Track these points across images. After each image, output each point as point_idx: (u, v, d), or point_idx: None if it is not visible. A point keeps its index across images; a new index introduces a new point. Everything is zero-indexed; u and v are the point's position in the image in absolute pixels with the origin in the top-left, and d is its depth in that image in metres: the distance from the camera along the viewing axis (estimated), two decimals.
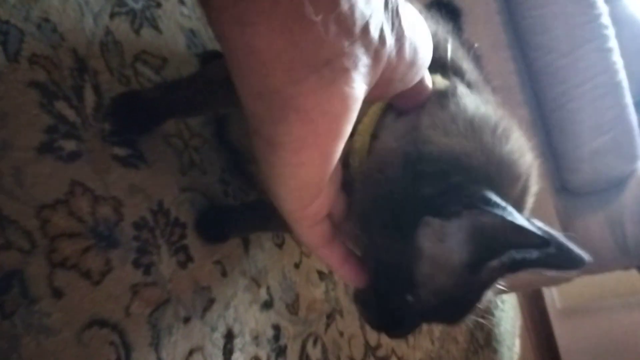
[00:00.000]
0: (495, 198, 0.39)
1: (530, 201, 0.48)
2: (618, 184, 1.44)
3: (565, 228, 1.48)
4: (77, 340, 0.58)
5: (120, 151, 0.68)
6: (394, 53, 0.32)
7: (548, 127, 1.47)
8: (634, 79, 1.56)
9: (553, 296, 3.20)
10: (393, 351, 1.27)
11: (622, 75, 1.38)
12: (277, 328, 0.88)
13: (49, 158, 0.60)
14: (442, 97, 0.46)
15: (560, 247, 0.40)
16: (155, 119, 0.72)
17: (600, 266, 1.49)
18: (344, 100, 0.29)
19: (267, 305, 0.88)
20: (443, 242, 0.41)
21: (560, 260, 0.39)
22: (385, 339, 1.24)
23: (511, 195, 0.44)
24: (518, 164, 0.45)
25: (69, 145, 0.62)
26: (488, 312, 2.09)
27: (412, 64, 0.35)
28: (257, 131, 0.31)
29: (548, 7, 1.37)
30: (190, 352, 0.71)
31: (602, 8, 1.37)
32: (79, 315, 0.59)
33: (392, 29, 0.31)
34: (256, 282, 0.87)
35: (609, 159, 1.39)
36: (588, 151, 1.40)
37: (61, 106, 0.63)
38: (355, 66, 0.29)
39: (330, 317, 1.04)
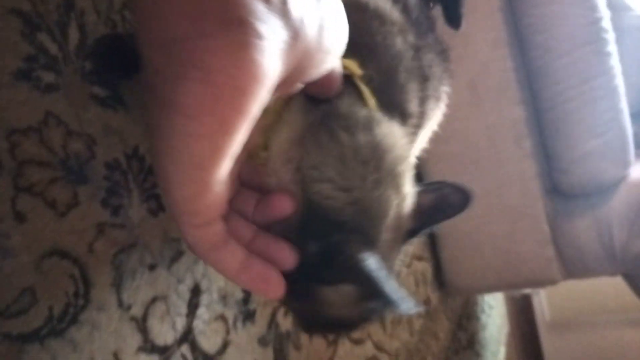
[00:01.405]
0: (372, 268, 0.40)
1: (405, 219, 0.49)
2: (608, 188, 1.43)
3: (553, 230, 1.47)
4: (36, 266, 0.58)
5: (99, 91, 0.68)
6: (314, 39, 0.30)
7: (542, 127, 1.47)
8: (633, 90, 1.56)
9: (543, 308, 3.17)
10: (369, 336, 1.26)
11: (619, 81, 1.38)
12: (247, 292, 0.88)
13: (25, 86, 0.60)
14: (325, 121, 0.45)
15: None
16: (137, 65, 0.73)
17: (586, 270, 1.49)
18: (255, 72, 0.26)
19: None
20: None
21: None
22: None
23: (384, 229, 0.46)
24: (387, 201, 0.45)
25: (48, 77, 0.63)
26: (472, 316, 2.09)
27: (330, 51, 0.33)
28: (153, 89, 0.28)
29: (550, 7, 1.37)
30: (154, 300, 0.70)
31: (604, 12, 1.37)
32: (40, 242, 0.59)
33: (314, 11, 0.29)
34: None
35: (601, 162, 1.39)
36: (580, 153, 1.39)
37: (43, 38, 0.63)
38: (272, 38, 0.27)
39: None
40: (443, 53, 0.61)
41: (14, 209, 0.57)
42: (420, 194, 0.50)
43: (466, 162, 1.56)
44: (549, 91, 1.42)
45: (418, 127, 0.55)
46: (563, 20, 1.37)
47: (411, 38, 0.56)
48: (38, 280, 0.58)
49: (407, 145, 0.49)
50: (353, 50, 0.48)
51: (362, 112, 0.46)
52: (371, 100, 0.48)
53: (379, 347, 1.30)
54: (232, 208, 0.38)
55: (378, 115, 0.48)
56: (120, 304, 0.66)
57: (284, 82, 0.31)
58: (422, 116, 0.55)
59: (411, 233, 0.51)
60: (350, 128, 0.44)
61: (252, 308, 0.88)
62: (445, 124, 0.69)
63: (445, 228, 1.66)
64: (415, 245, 1.64)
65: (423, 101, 0.55)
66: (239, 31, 0.25)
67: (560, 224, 1.47)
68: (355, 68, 0.48)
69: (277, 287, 0.38)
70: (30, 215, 0.58)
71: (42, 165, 0.61)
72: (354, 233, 0.43)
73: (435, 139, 0.74)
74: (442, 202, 0.50)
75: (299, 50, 0.29)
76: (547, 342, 2.98)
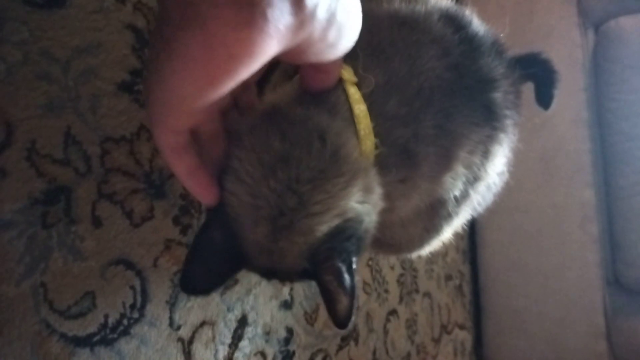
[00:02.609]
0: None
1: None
2: None
3: (609, 324, 1.40)
4: (101, 272, 0.59)
5: None
6: (319, 31, 0.32)
7: (612, 215, 1.41)
8: None
9: None
10: None
11: None
12: (290, 331, 0.86)
13: (126, 97, 0.63)
14: (280, 117, 0.44)
15: None
16: None
17: None
18: (250, 48, 0.29)
19: (287, 305, 0.86)
20: None
21: None
22: None
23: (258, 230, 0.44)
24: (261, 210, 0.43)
25: None
26: None
27: (332, 45, 0.36)
28: (160, 27, 0.31)
29: (638, 94, 1.33)
30: (202, 324, 0.70)
31: None
32: (110, 250, 0.60)
33: (327, 9, 0.32)
34: None
35: None
36: None
37: None
38: (277, 21, 0.29)
39: (344, 340, 1.01)
40: (510, 79, 0.57)
41: (93, 213, 0.58)
42: (332, 271, 0.44)
43: (527, 236, 1.51)
44: (625, 180, 1.37)
45: (441, 146, 0.51)
46: None
47: (455, 54, 0.53)
48: (100, 286, 0.59)
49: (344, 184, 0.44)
50: (365, 48, 0.48)
51: (319, 125, 0.44)
52: (359, 106, 0.46)
53: None
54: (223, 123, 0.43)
55: (335, 136, 0.44)
56: (171, 322, 0.66)
57: (282, 57, 0.33)
58: (447, 134, 0.51)
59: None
60: (285, 136, 0.43)
61: (292, 349, 0.86)
62: (510, 194, 0.66)
63: (493, 300, 1.60)
64: (459, 313, 1.58)
65: (446, 116, 0.51)
66: (247, 9, 0.28)
67: (618, 319, 1.39)
68: (349, 75, 0.47)
69: (211, 199, 0.43)
70: (107, 222, 0.60)
71: (127, 175, 0.62)
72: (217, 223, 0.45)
73: (498, 208, 0.71)
74: (329, 298, 0.44)
75: (301, 37, 0.31)
76: None
